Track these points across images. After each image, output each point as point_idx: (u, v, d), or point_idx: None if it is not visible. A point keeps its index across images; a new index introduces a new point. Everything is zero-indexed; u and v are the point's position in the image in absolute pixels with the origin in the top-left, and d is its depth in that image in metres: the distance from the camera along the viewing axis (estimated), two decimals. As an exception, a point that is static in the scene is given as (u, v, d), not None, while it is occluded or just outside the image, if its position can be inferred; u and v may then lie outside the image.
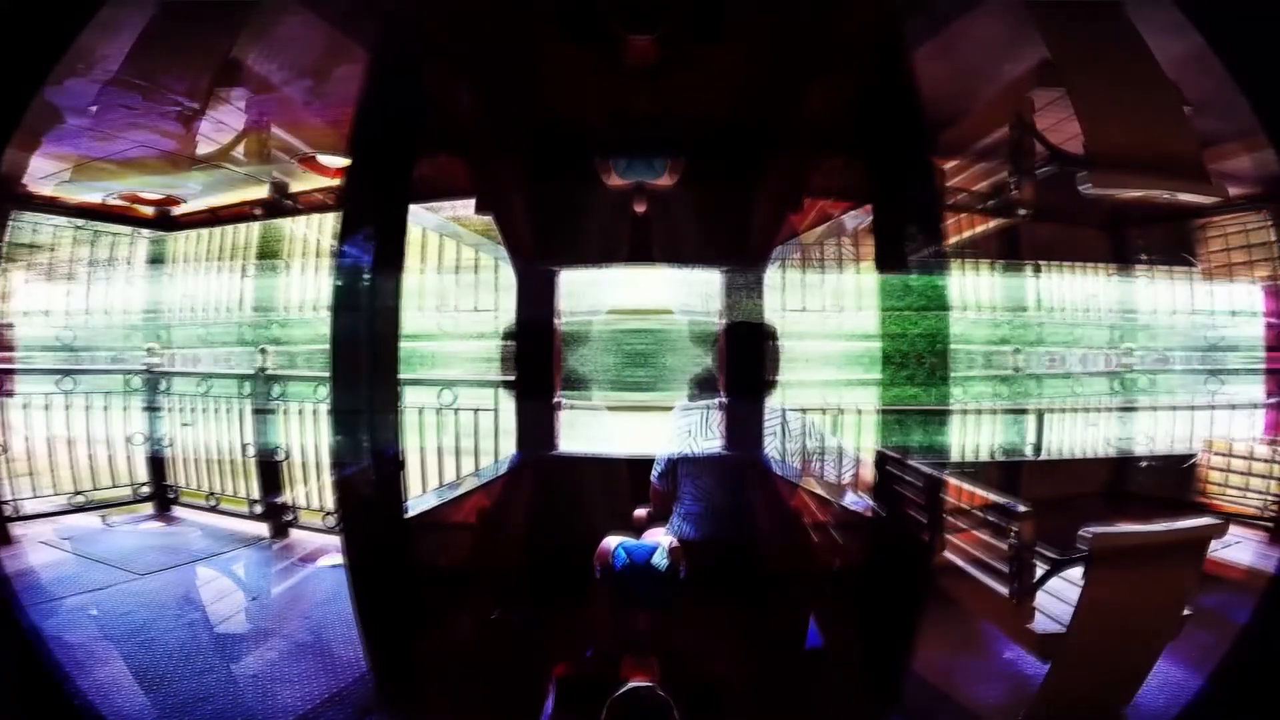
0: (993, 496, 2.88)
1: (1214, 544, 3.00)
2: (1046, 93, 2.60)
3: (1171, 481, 3.65)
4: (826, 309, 3.55)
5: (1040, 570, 2.44)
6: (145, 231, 4.03)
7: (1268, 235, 3.36)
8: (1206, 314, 3.61)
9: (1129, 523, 2.75)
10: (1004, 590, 2.50)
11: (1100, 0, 2.48)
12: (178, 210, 3.90)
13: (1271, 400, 3.54)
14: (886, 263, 2.77)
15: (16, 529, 3.58)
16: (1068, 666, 2.36)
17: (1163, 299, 3.64)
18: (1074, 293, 3.58)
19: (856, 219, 3.36)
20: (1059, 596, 2.43)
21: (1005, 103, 2.71)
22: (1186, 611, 2.38)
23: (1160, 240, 3.57)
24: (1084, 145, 2.46)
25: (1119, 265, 3.60)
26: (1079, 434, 3.59)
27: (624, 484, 3.13)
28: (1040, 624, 2.45)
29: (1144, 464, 3.59)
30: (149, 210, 3.93)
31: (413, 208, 3.10)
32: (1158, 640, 2.37)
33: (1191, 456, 3.65)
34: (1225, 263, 3.52)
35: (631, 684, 1.82)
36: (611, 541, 2.52)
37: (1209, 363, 3.59)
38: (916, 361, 2.61)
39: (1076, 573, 2.38)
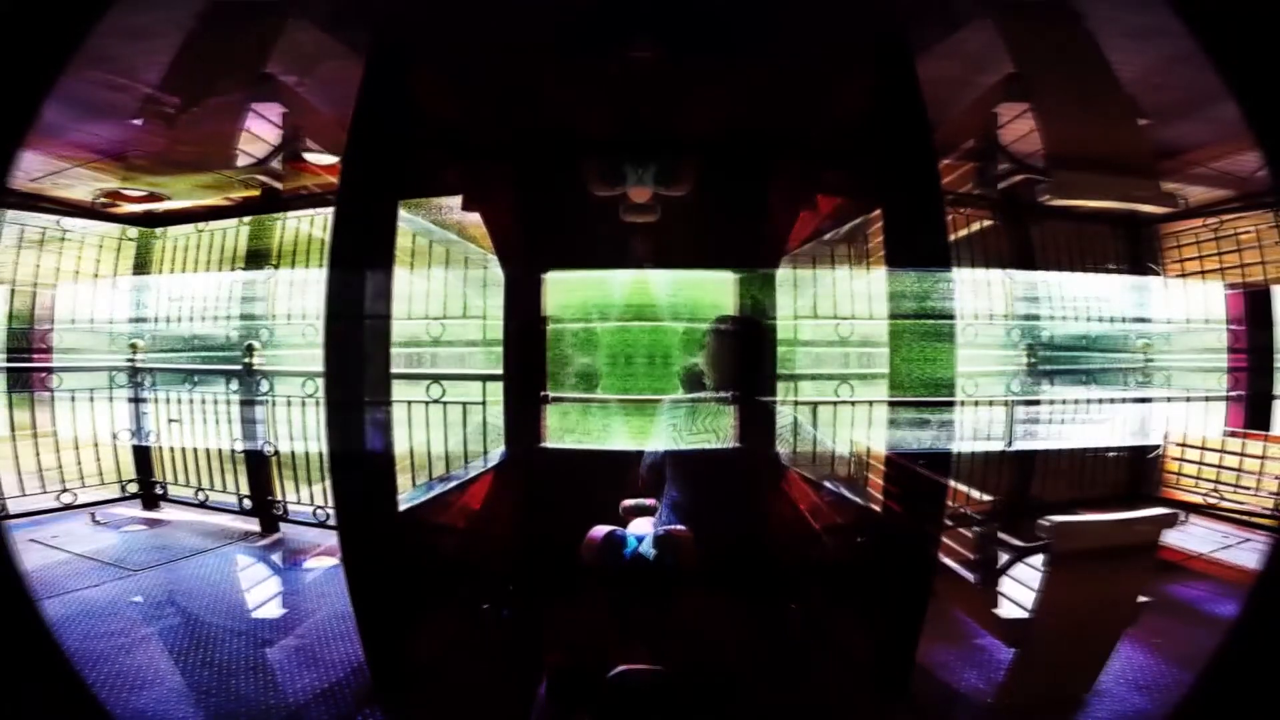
0: (967, 490, 3.00)
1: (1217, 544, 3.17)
2: (1013, 105, 2.74)
3: (1138, 475, 3.80)
4: (818, 308, 3.65)
5: (1004, 559, 2.55)
6: (132, 230, 4.02)
7: (1219, 245, 3.52)
8: (1167, 319, 3.76)
9: (1086, 513, 2.89)
10: (971, 578, 2.61)
11: (1063, 14, 2.58)
12: (166, 208, 3.90)
13: (1233, 395, 3.69)
14: (879, 263, 2.84)
15: (5, 527, 3.58)
16: (1030, 652, 2.48)
17: (1136, 301, 3.78)
18: (1063, 292, 3.70)
19: (851, 223, 3.47)
20: (1025, 584, 2.55)
21: (975, 115, 2.83)
22: (1142, 599, 2.50)
23: (1126, 245, 3.71)
24: (1044, 156, 2.59)
25: (1092, 268, 3.73)
26: (1063, 430, 3.72)
27: (611, 477, 3.19)
28: (1006, 610, 2.57)
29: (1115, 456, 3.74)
30: (136, 209, 3.92)
31: (404, 208, 3.14)
32: (1114, 628, 2.50)
33: (1157, 449, 3.81)
34: (1181, 271, 3.67)
35: (626, 665, 1.88)
36: (600, 532, 2.56)
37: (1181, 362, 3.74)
38: (907, 358, 2.68)
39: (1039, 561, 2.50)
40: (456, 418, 3.60)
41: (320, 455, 3.69)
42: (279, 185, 3.56)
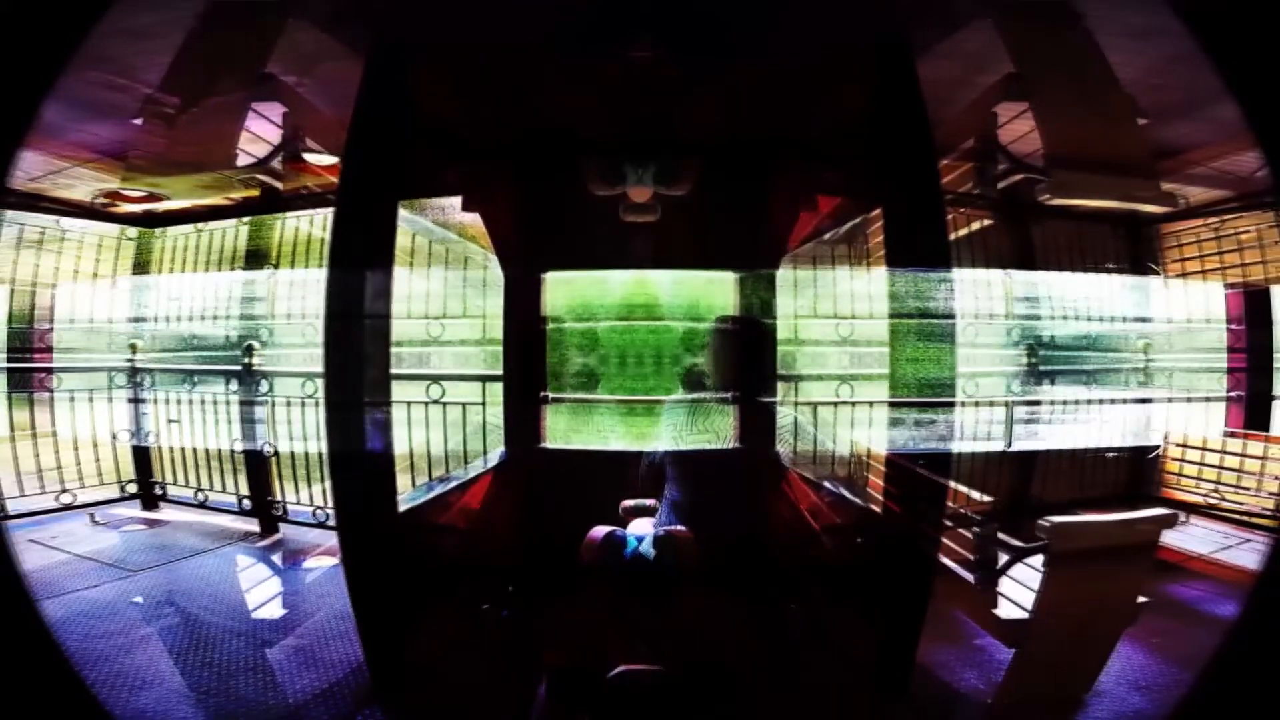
0: (967, 490, 3.00)
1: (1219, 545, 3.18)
2: (1013, 105, 2.76)
3: (1138, 475, 3.81)
4: (818, 308, 3.65)
5: (1004, 559, 2.56)
6: (132, 230, 4.02)
7: (1220, 245, 3.53)
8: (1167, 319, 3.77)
9: (1086, 513, 2.90)
10: (971, 578, 2.62)
11: (1063, 14, 2.59)
12: (166, 208, 3.90)
13: (1233, 395, 3.70)
14: (879, 263, 2.84)
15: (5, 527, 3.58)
16: (1030, 652, 2.48)
17: (1130, 302, 3.79)
18: (1063, 292, 3.71)
19: (851, 223, 3.48)
20: (1025, 584, 2.55)
21: (975, 115, 2.84)
22: (1142, 599, 2.50)
23: (1126, 245, 3.72)
24: (1043, 155, 2.62)
25: (1092, 268, 3.74)
26: (1063, 430, 3.73)
27: (611, 477, 3.20)
28: (1006, 610, 2.57)
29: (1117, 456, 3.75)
30: (136, 209, 3.92)
31: (404, 208, 3.14)
32: (1115, 628, 2.50)
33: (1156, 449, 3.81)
34: (1181, 271, 3.68)
35: (626, 665, 1.89)
36: (600, 532, 2.56)
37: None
38: (907, 358, 2.68)
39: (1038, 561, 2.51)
40: (456, 418, 3.60)
41: (320, 455, 3.69)
42: (279, 185, 3.55)
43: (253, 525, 3.91)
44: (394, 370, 2.97)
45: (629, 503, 2.98)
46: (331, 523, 3.52)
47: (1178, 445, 3.80)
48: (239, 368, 3.87)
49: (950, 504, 2.78)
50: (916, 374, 2.65)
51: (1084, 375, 3.73)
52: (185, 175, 3.27)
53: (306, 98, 3.15)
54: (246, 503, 3.94)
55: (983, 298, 3.58)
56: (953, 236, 3.13)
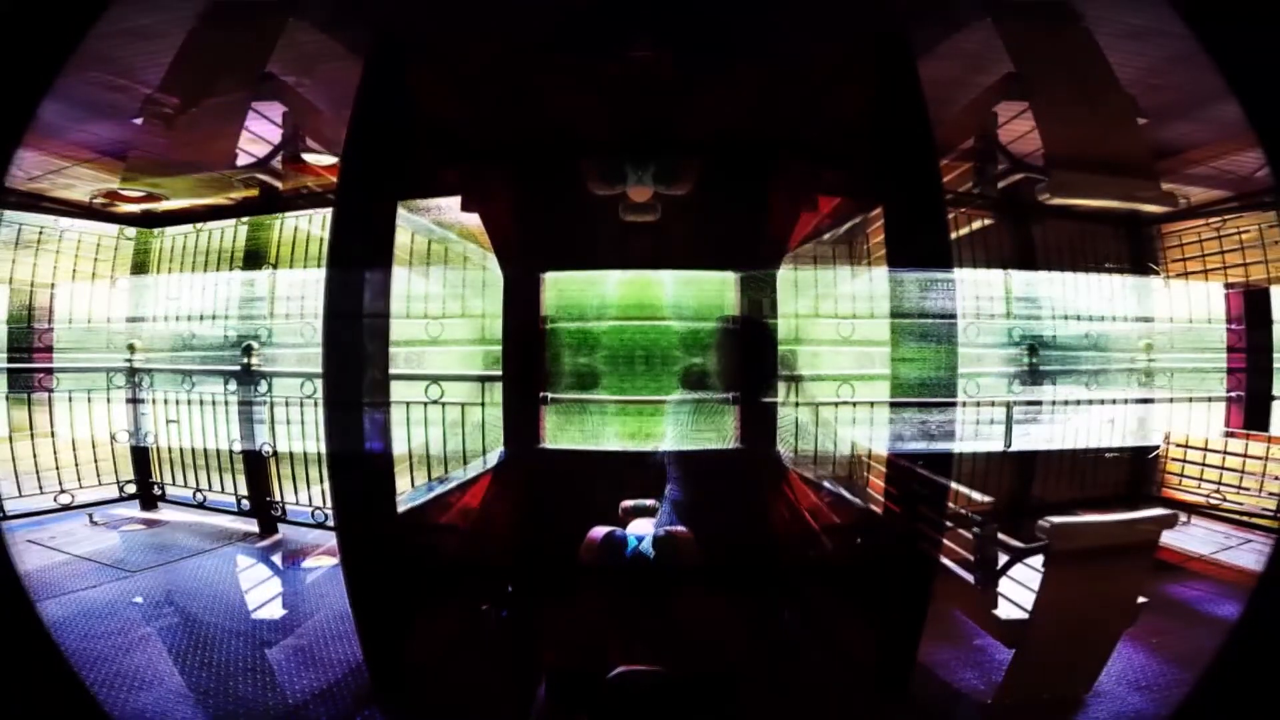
0: (963, 490, 3.00)
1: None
2: (1013, 105, 2.77)
3: (1139, 475, 3.81)
4: (818, 308, 3.66)
5: (1004, 559, 2.56)
6: (131, 230, 4.02)
7: (1221, 244, 3.53)
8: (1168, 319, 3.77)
9: (1086, 513, 2.90)
10: (971, 578, 2.62)
11: (1063, 14, 2.60)
12: (165, 208, 3.89)
13: (1233, 396, 3.70)
14: (879, 263, 2.84)
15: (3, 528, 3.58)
16: (1029, 652, 2.48)
17: (1129, 302, 3.79)
18: (1063, 292, 3.71)
19: (851, 223, 3.49)
20: (1025, 585, 2.56)
21: (975, 114, 2.85)
22: (1142, 599, 2.51)
23: (1126, 245, 3.73)
24: (1043, 155, 2.63)
25: (1092, 268, 3.74)
26: (1063, 430, 3.73)
27: (611, 477, 3.19)
28: (1006, 611, 2.58)
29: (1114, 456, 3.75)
30: (135, 209, 3.92)
31: (404, 208, 3.15)
32: (1114, 628, 2.51)
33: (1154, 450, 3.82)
34: (1181, 271, 3.69)
35: (626, 666, 1.89)
36: (599, 532, 2.57)
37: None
38: (907, 358, 2.69)
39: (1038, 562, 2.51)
40: (456, 418, 3.60)
41: (320, 455, 3.69)
42: (278, 185, 3.55)
43: (252, 526, 3.90)
44: (394, 370, 2.97)
45: (629, 503, 2.98)
46: (331, 523, 3.52)
47: (1178, 445, 3.80)
48: (238, 368, 3.86)
49: (950, 504, 2.78)
50: (917, 374, 2.65)
51: (1084, 375, 3.73)
52: (185, 175, 3.26)
53: (306, 98, 3.15)
54: (245, 503, 3.94)
55: (983, 298, 3.57)
56: (953, 236, 3.13)
